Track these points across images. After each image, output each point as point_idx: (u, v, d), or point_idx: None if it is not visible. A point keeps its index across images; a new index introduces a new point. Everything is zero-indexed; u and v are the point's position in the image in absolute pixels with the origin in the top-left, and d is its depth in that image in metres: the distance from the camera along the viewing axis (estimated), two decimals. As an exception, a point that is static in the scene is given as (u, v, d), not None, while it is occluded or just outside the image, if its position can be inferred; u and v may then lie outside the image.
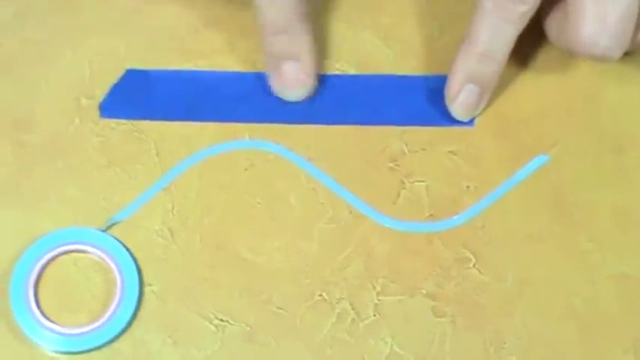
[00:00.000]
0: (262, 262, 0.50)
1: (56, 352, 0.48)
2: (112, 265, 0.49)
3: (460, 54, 0.52)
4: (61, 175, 0.51)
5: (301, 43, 0.52)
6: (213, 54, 0.54)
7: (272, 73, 0.53)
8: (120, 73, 0.53)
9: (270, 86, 0.53)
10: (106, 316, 0.48)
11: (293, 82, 0.52)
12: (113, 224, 0.50)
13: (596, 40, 0.49)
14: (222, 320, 0.49)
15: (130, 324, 0.48)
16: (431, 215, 0.51)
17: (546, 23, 0.52)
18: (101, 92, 0.53)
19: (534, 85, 0.54)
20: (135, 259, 0.50)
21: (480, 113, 0.53)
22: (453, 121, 0.53)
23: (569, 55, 0.54)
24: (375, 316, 0.49)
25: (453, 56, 0.53)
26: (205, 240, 0.50)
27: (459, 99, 0.52)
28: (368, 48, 0.54)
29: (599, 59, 0.49)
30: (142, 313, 0.49)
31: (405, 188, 0.52)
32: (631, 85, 0.54)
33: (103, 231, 0.50)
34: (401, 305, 0.49)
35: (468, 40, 0.51)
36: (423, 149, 0.52)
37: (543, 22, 0.52)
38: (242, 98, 0.53)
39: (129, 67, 0.54)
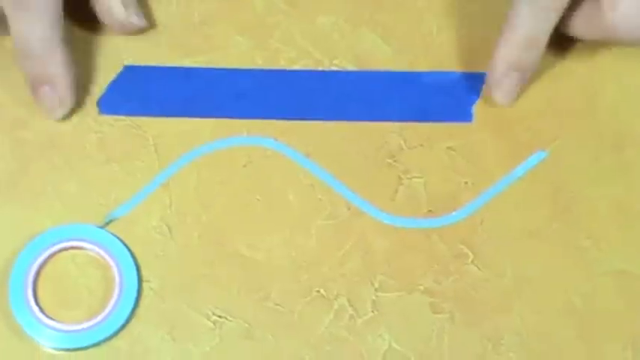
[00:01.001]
0: (260, 258, 0.50)
1: (55, 348, 0.48)
2: (111, 262, 0.49)
3: (502, 42, 0.51)
4: (60, 171, 0.51)
5: (54, 67, 0.51)
6: (212, 50, 0.54)
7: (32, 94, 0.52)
8: (118, 69, 0.53)
9: (267, 83, 0.53)
10: (105, 312, 0.48)
11: (48, 105, 0.51)
12: (111, 221, 0.50)
13: (634, 20, 0.49)
14: (220, 316, 0.49)
15: (128, 320, 0.49)
16: (429, 211, 0.51)
17: (573, 16, 0.52)
18: (99, 89, 0.53)
19: (533, 81, 0.54)
20: (133, 256, 0.50)
21: (478, 110, 0.53)
22: (451, 117, 0.53)
23: (601, 44, 0.53)
24: (373, 312, 0.49)
25: (450, 52, 0.53)
26: (203, 236, 0.50)
27: (504, 87, 0.52)
28: (366, 44, 0.54)
29: (635, 42, 0.50)
30: (140, 310, 0.49)
31: (403, 184, 0.52)
32: (629, 81, 0.54)
33: (102, 227, 0.50)
34: (399, 301, 0.50)
35: (509, 28, 0.51)
36: (421, 145, 0.52)
37: (567, 18, 0.52)
38: (240, 94, 0.53)
39: (127, 63, 0.54)
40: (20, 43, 0.50)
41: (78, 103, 0.52)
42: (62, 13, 0.50)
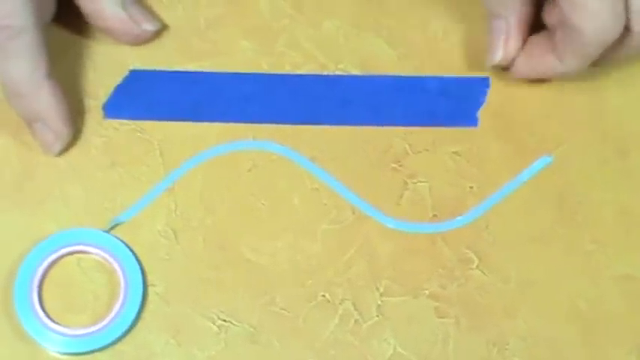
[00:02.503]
0: (265, 262, 0.50)
1: (60, 353, 0.48)
2: (116, 266, 0.49)
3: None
4: (65, 176, 0.51)
5: (42, 104, 0.50)
6: (218, 55, 0.54)
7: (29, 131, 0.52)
8: (124, 73, 0.53)
9: (272, 87, 0.53)
10: (110, 317, 0.48)
11: (44, 141, 0.51)
12: (116, 225, 0.50)
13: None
14: (225, 321, 0.49)
15: (133, 325, 0.49)
16: (434, 216, 0.51)
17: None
18: (105, 93, 0.53)
19: (538, 86, 0.53)
20: (138, 260, 0.50)
21: (483, 114, 0.53)
22: (456, 122, 0.53)
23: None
24: (378, 316, 0.49)
25: (456, 57, 0.53)
26: (208, 241, 0.50)
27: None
28: (371, 49, 0.54)
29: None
30: (145, 314, 0.49)
31: (408, 189, 0.52)
32: (634, 86, 0.54)
33: (107, 232, 0.50)
34: (404, 306, 0.50)
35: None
36: (427, 150, 0.52)
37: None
38: (246, 99, 0.53)
39: (133, 67, 0.54)
40: (5, 83, 0.50)
41: (83, 108, 0.53)
42: (45, 49, 0.50)
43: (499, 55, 0.52)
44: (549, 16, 0.51)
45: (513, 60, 0.52)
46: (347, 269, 0.50)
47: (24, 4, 0.49)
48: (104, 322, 0.48)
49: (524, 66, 0.52)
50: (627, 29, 0.49)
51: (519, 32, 0.52)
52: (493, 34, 0.52)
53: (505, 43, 0.52)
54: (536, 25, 0.52)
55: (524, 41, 0.52)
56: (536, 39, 0.52)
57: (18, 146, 0.52)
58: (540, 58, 0.51)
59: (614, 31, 0.48)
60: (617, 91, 0.54)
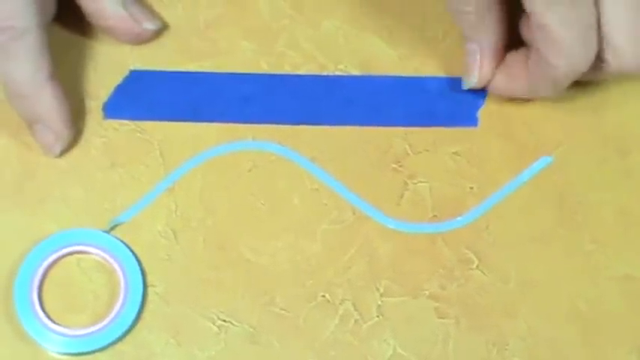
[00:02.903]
0: (265, 262, 0.50)
1: (60, 353, 0.48)
2: (116, 267, 0.49)
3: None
4: (65, 176, 0.51)
5: (44, 105, 0.50)
6: (217, 55, 0.54)
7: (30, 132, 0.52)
8: (124, 73, 0.54)
9: (272, 88, 0.53)
10: (110, 317, 0.48)
11: (44, 142, 0.51)
12: (116, 225, 0.50)
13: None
14: (225, 321, 0.49)
15: (133, 325, 0.49)
16: (434, 216, 0.51)
17: None
18: (105, 93, 0.53)
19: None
20: (138, 260, 0.50)
21: (483, 115, 0.53)
22: (456, 122, 0.53)
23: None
24: (378, 317, 0.49)
25: (456, 57, 0.53)
26: (208, 241, 0.50)
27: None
28: (371, 49, 0.54)
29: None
30: (145, 315, 0.49)
31: (408, 189, 0.52)
32: (634, 87, 0.54)
33: (107, 232, 0.50)
34: (404, 306, 0.50)
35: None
36: (427, 150, 0.52)
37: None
38: (246, 99, 0.53)
39: (133, 67, 0.54)
40: (7, 84, 0.50)
41: (83, 108, 0.53)
42: (48, 51, 0.50)
43: (475, 78, 0.52)
44: (527, 32, 0.51)
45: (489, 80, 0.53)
46: (347, 269, 0.50)
47: (27, 4, 0.49)
48: (104, 322, 0.48)
49: (502, 85, 0.52)
50: (600, 60, 0.49)
51: (493, 56, 0.52)
52: (468, 57, 0.52)
53: (480, 66, 0.52)
54: (512, 37, 0.52)
55: (499, 63, 0.52)
56: (514, 58, 0.52)
57: (18, 146, 0.52)
58: (517, 79, 0.51)
59: (586, 63, 0.48)
60: (617, 92, 0.54)
